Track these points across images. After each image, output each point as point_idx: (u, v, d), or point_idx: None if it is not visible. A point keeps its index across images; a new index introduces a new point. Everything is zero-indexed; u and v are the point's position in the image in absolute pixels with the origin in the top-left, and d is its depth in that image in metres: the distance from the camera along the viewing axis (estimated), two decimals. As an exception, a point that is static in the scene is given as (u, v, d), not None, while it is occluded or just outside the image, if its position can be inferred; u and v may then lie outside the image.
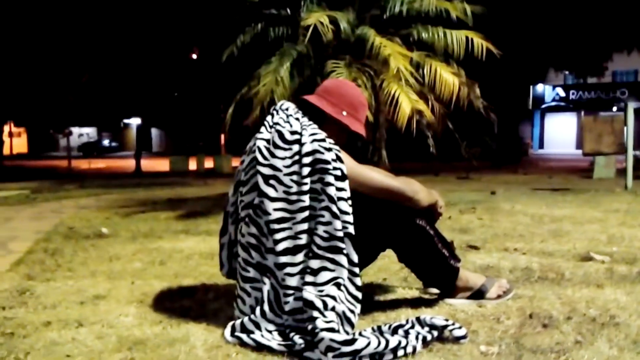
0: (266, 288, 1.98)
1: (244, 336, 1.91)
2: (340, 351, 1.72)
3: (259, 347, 1.86)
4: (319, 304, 1.86)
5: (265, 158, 2.01)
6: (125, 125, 42.71)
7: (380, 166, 5.40)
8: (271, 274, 1.98)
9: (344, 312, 1.89)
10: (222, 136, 23.24)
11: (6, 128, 28.01)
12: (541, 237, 3.84)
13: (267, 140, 2.04)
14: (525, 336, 1.96)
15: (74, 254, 3.59)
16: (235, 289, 2.13)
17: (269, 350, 1.84)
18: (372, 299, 2.40)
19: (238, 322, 1.99)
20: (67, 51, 16.15)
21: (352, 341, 1.74)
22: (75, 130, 35.86)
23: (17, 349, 1.89)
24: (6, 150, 32.37)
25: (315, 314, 1.84)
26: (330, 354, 1.73)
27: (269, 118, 2.12)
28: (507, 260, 3.10)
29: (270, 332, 1.92)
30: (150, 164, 20.12)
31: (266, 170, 1.99)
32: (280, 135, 2.01)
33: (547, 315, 2.15)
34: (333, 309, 1.87)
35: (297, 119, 2.06)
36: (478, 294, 2.29)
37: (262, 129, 2.09)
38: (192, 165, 17.54)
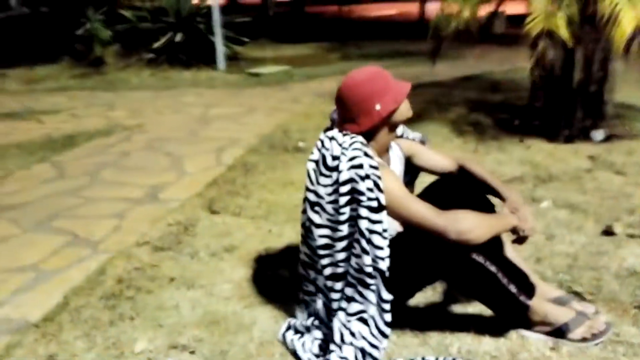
0: (318, 305, 2.09)
1: (289, 340, 2.09)
2: None
3: (296, 357, 2.04)
4: (337, 338, 1.92)
5: (312, 183, 2.00)
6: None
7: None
8: (322, 293, 2.08)
9: (363, 348, 1.90)
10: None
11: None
12: None
13: (316, 163, 2.00)
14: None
15: (262, 173, 4.09)
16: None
17: (301, 362, 2.01)
18: (438, 309, 2.30)
19: (293, 321, 2.18)
20: None
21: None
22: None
23: (137, 307, 2.41)
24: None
25: (332, 347, 1.92)
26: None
27: (321, 134, 2.05)
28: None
29: (312, 341, 2.06)
30: (437, 8, 19.15)
31: (312, 197, 1.99)
32: (324, 160, 1.95)
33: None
34: (351, 344, 1.91)
35: (337, 139, 1.96)
36: (558, 332, 2.00)
37: (314, 148, 2.04)
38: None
